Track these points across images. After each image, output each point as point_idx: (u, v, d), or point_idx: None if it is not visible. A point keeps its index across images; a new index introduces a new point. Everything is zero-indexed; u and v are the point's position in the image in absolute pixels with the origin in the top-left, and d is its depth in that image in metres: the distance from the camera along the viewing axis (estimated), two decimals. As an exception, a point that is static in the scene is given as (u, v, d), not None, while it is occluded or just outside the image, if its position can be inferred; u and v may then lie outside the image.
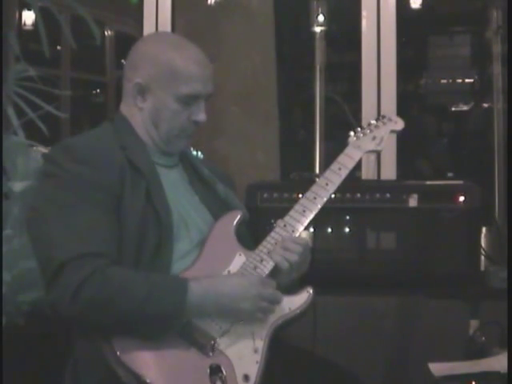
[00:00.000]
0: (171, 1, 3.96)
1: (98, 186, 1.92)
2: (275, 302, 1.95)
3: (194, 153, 2.42)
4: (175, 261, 1.97)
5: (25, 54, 3.14)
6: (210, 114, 2.08)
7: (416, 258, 2.85)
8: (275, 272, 2.00)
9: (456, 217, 2.82)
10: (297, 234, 2.04)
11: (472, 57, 8.13)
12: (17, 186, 2.80)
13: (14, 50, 3.09)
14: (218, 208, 2.12)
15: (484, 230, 3.15)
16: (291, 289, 2.02)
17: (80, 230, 1.87)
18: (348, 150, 2.15)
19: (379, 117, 2.25)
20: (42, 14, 3.16)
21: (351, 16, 4.18)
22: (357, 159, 2.15)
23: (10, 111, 3.02)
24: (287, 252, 1.99)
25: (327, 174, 2.11)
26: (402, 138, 3.38)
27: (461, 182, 2.97)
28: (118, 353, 1.83)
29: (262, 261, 1.99)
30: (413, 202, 2.84)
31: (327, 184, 2.09)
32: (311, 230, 2.76)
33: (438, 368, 2.20)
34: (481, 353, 2.33)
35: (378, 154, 3.30)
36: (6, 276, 2.69)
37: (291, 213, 2.06)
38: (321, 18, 4.75)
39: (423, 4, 6.85)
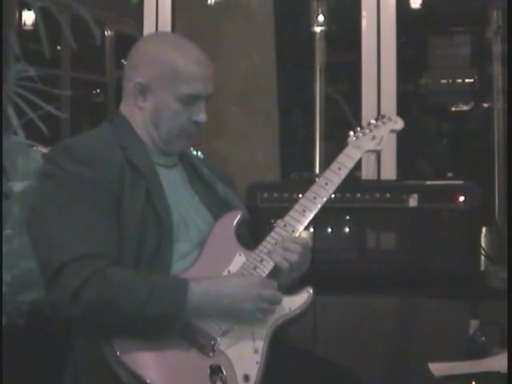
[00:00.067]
0: (171, 1, 3.96)
1: (97, 186, 1.92)
2: (275, 302, 1.95)
3: (194, 153, 2.42)
4: (175, 261, 1.97)
5: (25, 54, 3.14)
6: (210, 113, 2.08)
7: (416, 258, 2.85)
8: (275, 272, 2.00)
9: (456, 217, 2.82)
10: (297, 234, 2.04)
11: (472, 57, 8.13)
12: (17, 185, 2.80)
13: (14, 50, 3.09)
14: (217, 208, 2.12)
15: (484, 229, 3.15)
16: (291, 289, 2.02)
17: (80, 230, 1.87)
18: (348, 150, 2.15)
19: (379, 116, 2.25)
20: (42, 14, 3.16)
21: (351, 16, 4.19)
22: (356, 159, 2.15)
23: (10, 111, 3.02)
24: (287, 252, 1.99)
25: (327, 173, 2.11)
26: (401, 137, 3.38)
27: (461, 182, 2.97)
28: (118, 353, 1.83)
29: (261, 261, 1.99)
30: (413, 201, 2.84)
31: (327, 184, 2.09)
32: (311, 229, 2.76)
33: (438, 368, 2.20)
34: (481, 353, 2.33)
35: (378, 153, 3.31)
36: (6, 276, 2.69)
37: (291, 213, 2.06)
38: (321, 17, 4.75)
39: (423, 4, 6.85)
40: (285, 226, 2.04)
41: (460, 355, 2.35)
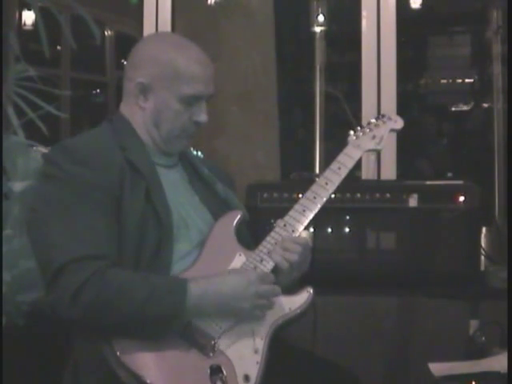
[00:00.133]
0: (171, 1, 3.95)
1: (97, 186, 1.91)
2: (274, 296, 1.94)
3: (194, 153, 2.42)
4: (175, 261, 1.97)
5: (25, 54, 3.14)
6: (210, 113, 2.08)
7: (416, 258, 2.85)
8: (275, 272, 2.00)
9: (456, 217, 2.82)
10: (297, 234, 2.04)
11: (472, 57, 8.14)
12: (17, 186, 2.80)
13: (14, 50, 3.09)
14: (217, 208, 2.12)
15: (484, 229, 3.15)
16: (291, 288, 2.02)
17: (79, 231, 1.87)
18: (348, 149, 2.15)
19: (379, 116, 2.24)
20: (42, 14, 3.16)
21: (351, 16, 4.18)
22: (356, 158, 2.15)
23: (10, 111, 3.02)
24: (287, 252, 1.99)
25: (327, 173, 2.11)
26: (401, 137, 3.38)
27: (461, 182, 2.97)
28: (119, 353, 1.82)
29: (261, 261, 1.99)
30: (413, 201, 2.84)
31: (327, 183, 2.09)
32: (311, 229, 2.76)
33: (438, 368, 2.20)
34: (481, 353, 2.33)
35: (378, 153, 3.31)
36: (6, 276, 2.69)
37: (291, 213, 2.06)
38: (321, 17, 4.75)
39: (423, 4, 6.85)
40: (285, 225, 2.04)
41: (460, 355, 2.35)
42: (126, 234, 1.92)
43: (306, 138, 5.89)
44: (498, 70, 4.53)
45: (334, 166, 2.11)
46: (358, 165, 2.20)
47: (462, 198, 2.82)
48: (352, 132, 2.19)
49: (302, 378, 2.03)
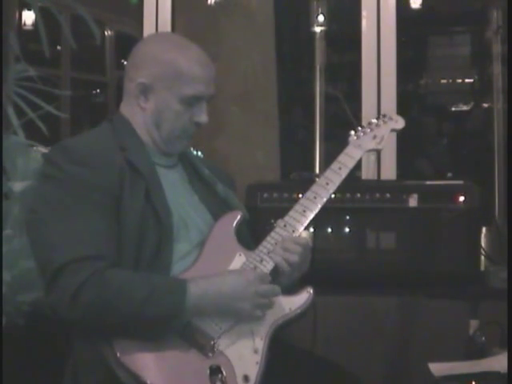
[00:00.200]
0: (171, 1, 3.95)
1: (97, 187, 1.91)
2: (274, 295, 1.94)
3: (194, 153, 2.42)
4: (175, 261, 1.97)
5: (25, 54, 3.14)
6: (210, 113, 2.08)
7: (416, 258, 2.85)
8: (275, 272, 2.00)
9: (456, 217, 2.82)
10: (297, 234, 2.04)
11: (472, 57, 8.14)
12: (17, 185, 2.80)
13: (14, 50, 3.09)
14: (217, 208, 2.11)
15: (484, 229, 3.15)
16: (291, 289, 2.02)
17: (79, 232, 1.87)
18: (348, 149, 2.15)
19: (380, 115, 2.24)
20: (42, 14, 3.16)
21: (351, 16, 4.18)
22: (357, 158, 2.14)
23: (10, 111, 3.02)
24: (287, 253, 1.99)
25: (327, 173, 2.10)
26: (401, 137, 3.38)
27: (461, 182, 2.97)
28: (118, 354, 1.82)
29: (261, 261, 1.99)
30: (413, 201, 2.84)
31: (327, 183, 2.09)
32: (311, 229, 2.76)
33: (438, 368, 2.20)
34: (481, 353, 2.33)
35: (378, 153, 3.31)
36: (6, 276, 2.69)
37: (291, 213, 2.06)
38: (321, 18, 4.75)
39: (423, 4, 6.86)
40: (285, 226, 2.04)
41: (460, 355, 2.36)
42: (126, 235, 1.91)
43: (306, 138, 5.89)
44: (498, 70, 4.53)
45: (334, 165, 2.11)
46: (358, 165, 2.20)
47: (461, 198, 2.82)
48: (353, 132, 2.19)
49: (301, 378, 2.03)
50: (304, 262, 2.03)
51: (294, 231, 2.03)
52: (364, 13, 3.79)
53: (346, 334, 2.81)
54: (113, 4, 7.55)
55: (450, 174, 6.43)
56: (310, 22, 4.82)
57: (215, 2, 3.75)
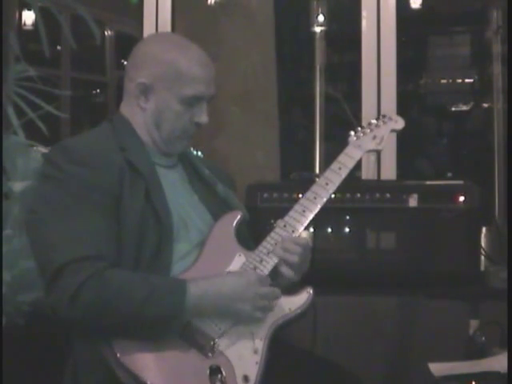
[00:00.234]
0: (171, 1, 3.95)
1: (96, 187, 1.91)
2: (274, 298, 1.94)
3: (194, 153, 2.42)
4: (175, 262, 1.97)
5: (25, 54, 3.14)
6: (210, 113, 2.08)
7: (416, 258, 2.85)
8: (275, 273, 2.00)
9: (456, 217, 2.82)
10: (297, 234, 2.04)
11: (472, 57, 8.13)
12: (17, 185, 2.80)
13: (14, 50, 3.09)
14: (217, 208, 2.11)
15: (484, 229, 3.15)
16: (292, 289, 2.02)
17: (79, 232, 1.87)
18: (348, 150, 2.15)
19: (379, 116, 2.24)
20: (42, 14, 3.16)
21: (351, 16, 4.18)
22: (357, 159, 2.14)
23: (10, 111, 3.02)
24: (287, 253, 1.99)
25: (327, 173, 2.10)
26: (401, 137, 3.38)
27: (461, 182, 2.97)
28: (118, 354, 1.82)
29: (261, 261, 1.99)
30: (413, 201, 2.84)
31: (327, 184, 2.09)
32: (311, 230, 2.76)
33: (437, 368, 2.20)
34: (481, 353, 2.33)
35: (378, 153, 3.31)
36: (6, 276, 2.69)
37: (291, 213, 2.06)
38: (321, 18, 4.75)
39: (423, 4, 6.85)
40: (285, 226, 2.04)
41: (460, 355, 2.36)
42: (126, 235, 1.91)
43: (306, 138, 5.89)
44: (498, 70, 4.53)
45: (334, 166, 2.11)
46: (358, 165, 2.20)
47: (461, 198, 2.82)
48: (352, 132, 2.19)
49: (301, 378, 2.03)
50: (304, 263, 2.03)
51: (293, 231, 2.03)
52: (364, 13, 3.79)
53: (345, 334, 2.81)
54: (113, 4, 7.55)
55: (449, 174, 6.43)
56: (310, 21, 4.82)
57: (215, 2, 3.75)
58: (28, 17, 6.95)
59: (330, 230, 2.91)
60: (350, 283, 2.83)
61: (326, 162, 4.39)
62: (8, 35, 3.08)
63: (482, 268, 3.02)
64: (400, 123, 2.23)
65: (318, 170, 4.57)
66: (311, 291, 2.01)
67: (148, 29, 3.99)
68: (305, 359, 2.10)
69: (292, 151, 5.57)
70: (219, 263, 2.00)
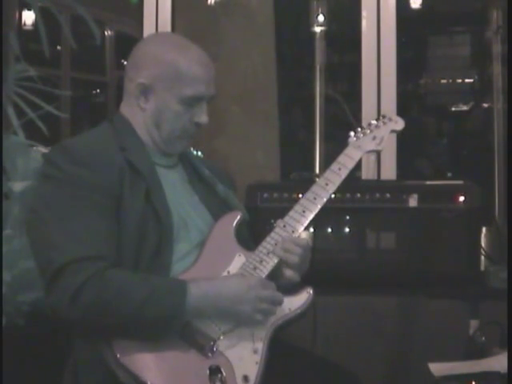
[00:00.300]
0: (171, 1, 3.96)
1: (96, 187, 1.91)
2: (275, 303, 1.94)
3: (194, 153, 2.42)
4: (175, 262, 1.97)
5: (25, 54, 3.14)
6: (210, 113, 2.08)
7: (416, 258, 2.85)
8: (275, 273, 2.00)
9: (456, 217, 2.82)
10: (297, 235, 2.03)
11: (472, 57, 8.14)
12: (17, 185, 2.80)
13: (14, 50, 3.09)
14: (217, 208, 2.11)
15: (484, 229, 3.15)
16: (292, 289, 2.01)
17: (79, 232, 1.87)
18: (348, 150, 2.15)
19: (379, 116, 2.24)
20: (42, 13, 3.16)
21: (351, 16, 4.18)
22: (357, 159, 2.14)
23: (10, 111, 3.02)
24: (287, 254, 1.99)
25: (327, 174, 2.10)
26: (401, 138, 3.38)
27: (461, 182, 2.97)
28: (118, 355, 1.82)
29: (261, 261, 1.99)
30: (413, 202, 2.84)
31: (327, 184, 2.08)
32: (311, 230, 2.76)
33: (438, 368, 2.20)
34: (481, 353, 2.33)
35: (378, 154, 3.31)
36: (6, 276, 2.69)
37: (291, 213, 2.06)
38: (321, 17, 4.74)
39: (423, 4, 6.85)
40: (284, 226, 2.04)
41: (460, 355, 2.35)
42: (126, 235, 1.91)
43: (306, 138, 5.89)
44: (498, 70, 4.53)
45: (334, 166, 2.11)
46: (358, 165, 2.20)
47: (461, 198, 2.82)
48: (352, 133, 2.19)
49: (301, 378, 2.03)
50: (304, 263, 2.03)
51: (293, 231, 2.03)
52: (364, 13, 3.79)
53: (345, 334, 2.81)
54: (113, 4, 7.55)
55: (449, 174, 6.44)
56: (310, 21, 4.81)
57: (215, 2, 3.76)
58: (28, 17, 6.96)
59: (330, 229, 2.91)
60: (350, 283, 2.83)
61: (326, 162, 4.39)
62: (8, 35, 3.08)
63: (482, 268, 3.02)
64: (400, 124, 2.23)
65: (318, 170, 4.57)
66: (311, 291, 2.01)
67: (148, 29, 3.99)
68: (305, 359, 2.10)
69: (292, 151, 5.57)
70: (219, 263, 2.00)
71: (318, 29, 4.78)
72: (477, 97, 7.65)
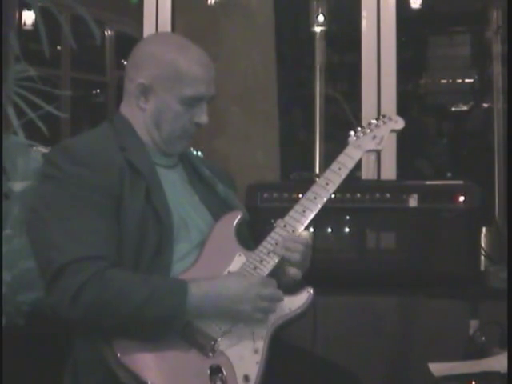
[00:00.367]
0: (171, 1, 3.95)
1: (97, 187, 1.91)
2: (276, 300, 1.94)
3: (194, 152, 2.42)
4: (175, 261, 1.97)
5: (25, 54, 3.14)
6: (210, 113, 2.08)
7: (416, 258, 2.85)
8: (275, 273, 2.00)
9: (456, 217, 2.82)
10: (297, 235, 2.03)
11: (472, 57, 8.14)
12: (17, 185, 2.80)
13: (14, 50, 3.08)
14: (217, 208, 2.11)
15: (484, 229, 3.15)
16: (293, 287, 2.01)
17: (79, 232, 1.87)
18: (348, 150, 2.15)
19: (379, 116, 2.24)
20: (42, 13, 3.16)
21: (351, 16, 4.18)
22: (357, 159, 2.14)
23: (10, 111, 3.02)
24: (288, 252, 1.99)
25: (327, 173, 2.10)
26: (401, 137, 3.38)
27: (461, 182, 2.97)
28: (119, 354, 1.82)
29: (261, 261, 1.99)
30: (413, 201, 2.85)
31: (327, 184, 2.08)
32: (311, 230, 2.76)
33: (437, 368, 2.20)
34: (481, 353, 2.33)
35: (378, 153, 3.31)
36: (6, 276, 2.69)
37: (291, 213, 2.06)
38: (321, 17, 4.74)
39: (423, 4, 6.85)
40: (285, 226, 2.04)
41: (460, 355, 2.35)
42: (126, 235, 1.91)
43: (306, 138, 5.89)
44: (498, 69, 4.53)
45: (334, 166, 2.11)
46: (358, 165, 2.20)
47: (462, 198, 2.82)
48: (352, 132, 2.19)
49: (302, 378, 2.03)
50: (305, 260, 2.04)
51: (293, 231, 2.03)
52: (364, 13, 3.79)
53: (345, 334, 2.81)
54: (113, 4, 7.55)
55: (449, 174, 6.44)
56: (309, 21, 4.81)
57: (215, 2, 3.75)
58: (28, 17, 6.96)
59: (330, 229, 2.91)
60: (350, 283, 2.83)
61: (326, 162, 4.39)
62: (8, 35, 3.07)
63: (482, 268, 3.02)
64: (400, 123, 2.23)
65: (318, 170, 4.57)
66: (311, 291, 2.01)
67: (148, 29, 3.99)
68: (305, 359, 2.10)
69: (292, 151, 5.58)
70: (219, 263, 2.00)
71: (318, 29, 4.78)
72: (477, 97, 7.65)
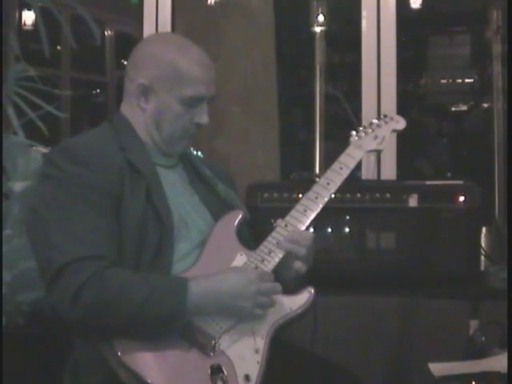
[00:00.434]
0: (171, 1, 3.96)
1: (97, 187, 1.91)
2: (275, 293, 1.94)
3: (194, 152, 2.42)
4: (176, 261, 1.97)
5: (25, 54, 3.14)
6: (210, 113, 2.08)
7: (416, 258, 2.85)
8: (277, 271, 2.00)
9: (456, 217, 2.82)
10: (299, 233, 2.04)
11: (472, 57, 8.14)
12: (17, 185, 2.80)
13: (14, 50, 3.09)
14: (218, 208, 2.11)
15: (484, 229, 3.15)
16: (298, 284, 2.01)
17: (79, 232, 1.87)
18: (349, 150, 2.15)
19: (381, 116, 2.24)
20: (42, 13, 3.16)
21: (351, 16, 4.19)
22: (358, 158, 2.15)
23: (10, 111, 3.02)
24: (295, 246, 1.99)
25: (328, 173, 2.11)
26: (402, 137, 3.38)
27: (461, 182, 2.97)
28: (119, 354, 1.82)
29: (263, 260, 1.99)
30: (413, 201, 2.84)
31: (328, 183, 2.09)
32: (311, 230, 2.76)
33: (437, 368, 2.20)
34: (481, 353, 2.33)
35: (378, 153, 3.31)
36: (6, 276, 2.69)
37: (292, 212, 2.06)
38: (321, 17, 4.74)
39: (423, 4, 6.86)
40: (286, 225, 2.04)
41: (460, 355, 2.35)
42: (127, 235, 1.92)
43: (306, 138, 5.89)
44: (498, 69, 4.52)
45: (335, 166, 2.11)
46: (358, 165, 2.20)
47: (462, 198, 2.82)
48: (354, 132, 2.19)
49: (302, 377, 2.03)
50: (310, 255, 2.04)
51: (295, 231, 2.03)
52: (364, 13, 3.79)
53: (345, 334, 2.81)
54: (113, 4, 7.56)
55: (449, 174, 6.44)
56: (309, 21, 4.81)
57: (215, 2, 3.75)
58: (28, 17, 6.96)
59: (330, 229, 2.91)
60: (350, 283, 2.83)
61: (326, 162, 4.39)
62: (8, 35, 3.08)
63: (482, 268, 3.02)
64: (401, 123, 2.23)
65: (318, 170, 4.56)
66: (312, 291, 2.01)
67: (148, 29, 3.99)
68: (305, 359, 2.10)
69: (292, 151, 5.58)
70: (220, 263, 2.00)
71: (318, 29, 4.77)
72: (477, 97, 7.66)
